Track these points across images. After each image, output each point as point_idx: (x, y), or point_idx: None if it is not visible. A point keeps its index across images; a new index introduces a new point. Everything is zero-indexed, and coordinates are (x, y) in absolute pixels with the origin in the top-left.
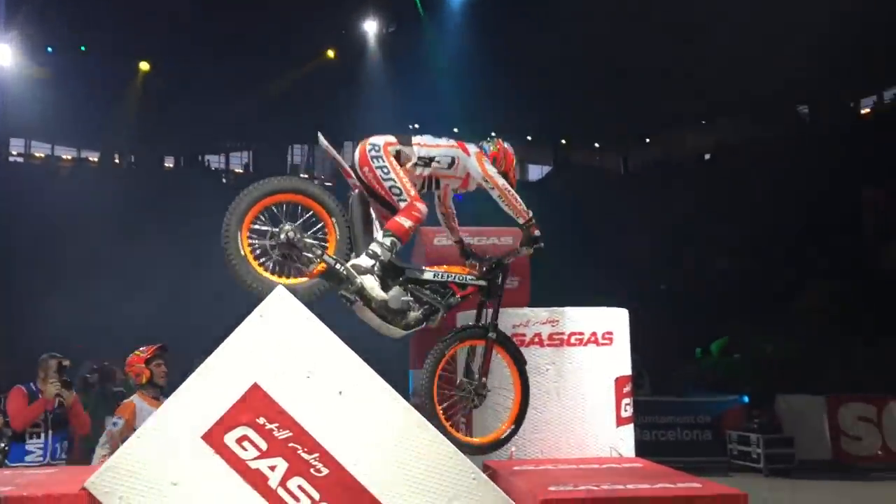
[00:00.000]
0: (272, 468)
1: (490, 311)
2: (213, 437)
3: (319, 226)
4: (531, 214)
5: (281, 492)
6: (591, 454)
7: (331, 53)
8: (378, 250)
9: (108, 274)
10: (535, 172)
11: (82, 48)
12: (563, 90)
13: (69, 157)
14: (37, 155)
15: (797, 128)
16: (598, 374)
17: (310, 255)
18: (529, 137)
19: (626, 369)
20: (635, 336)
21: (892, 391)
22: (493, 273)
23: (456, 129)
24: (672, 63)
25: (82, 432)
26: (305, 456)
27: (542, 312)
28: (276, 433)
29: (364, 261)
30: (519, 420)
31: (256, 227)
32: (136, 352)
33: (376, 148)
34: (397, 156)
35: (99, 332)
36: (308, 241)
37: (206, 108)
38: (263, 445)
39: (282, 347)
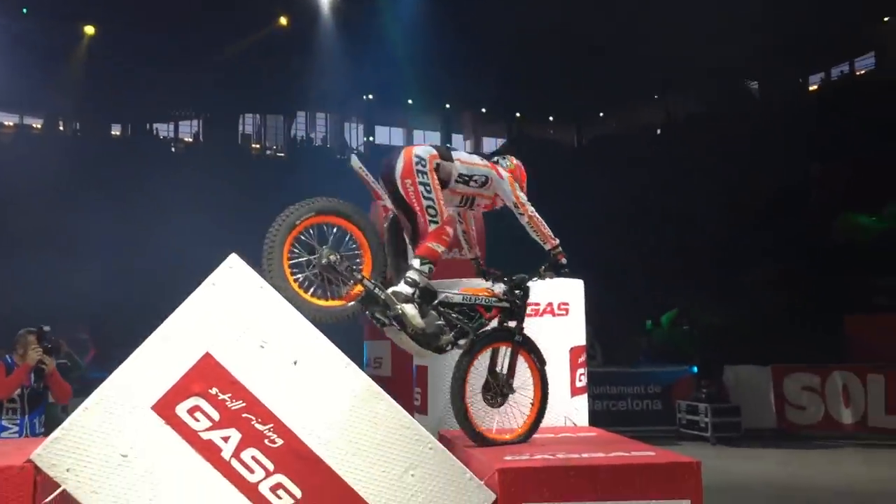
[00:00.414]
0: (225, 439)
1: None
2: (164, 408)
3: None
4: (558, 241)
5: (234, 463)
6: (546, 424)
7: (283, 20)
8: (417, 278)
9: (52, 244)
10: (490, 144)
11: (24, 10)
12: (518, 63)
13: (11, 124)
14: None
15: (747, 103)
16: (554, 345)
17: (349, 279)
18: (484, 109)
19: (581, 340)
20: (588, 308)
21: (836, 361)
22: (514, 294)
23: (410, 101)
24: (625, 38)
25: (63, 402)
26: (259, 427)
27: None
28: (228, 403)
29: (404, 288)
30: (538, 418)
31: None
32: None
33: (423, 162)
34: (436, 170)
35: (42, 303)
36: (348, 265)
37: (153, 74)
38: (216, 416)
39: (234, 316)
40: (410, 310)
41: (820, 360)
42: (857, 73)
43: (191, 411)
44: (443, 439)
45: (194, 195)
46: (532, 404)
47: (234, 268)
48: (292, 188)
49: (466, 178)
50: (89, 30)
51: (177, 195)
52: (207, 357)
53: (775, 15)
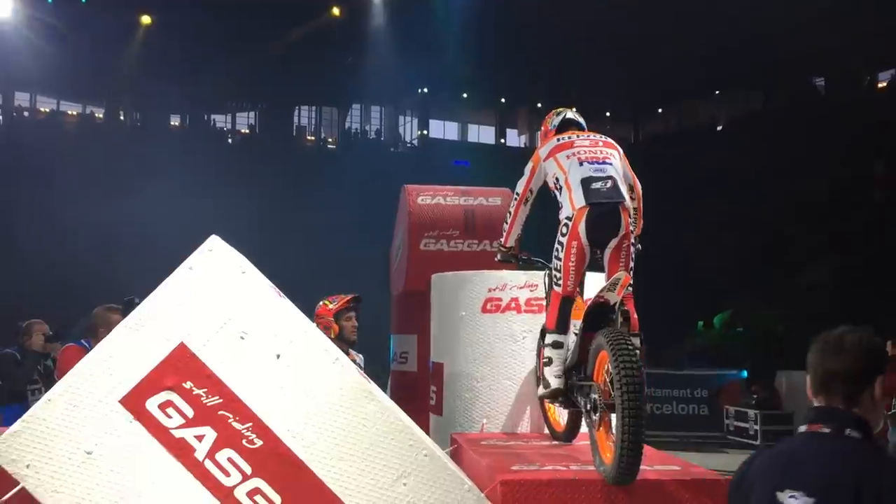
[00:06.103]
0: (199, 438)
1: None
2: (133, 402)
3: None
4: None
5: (208, 464)
6: None
7: (336, 11)
8: None
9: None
10: None
11: (83, 0)
12: (575, 58)
13: (74, 113)
14: (42, 110)
15: (812, 99)
16: None
17: None
18: (540, 104)
19: None
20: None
21: None
22: None
23: (465, 95)
24: (686, 32)
25: None
26: (237, 425)
27: (521, 276)
28: (204, 399)
29: None
30: None
31: None
32: (325, 301)
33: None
34: None
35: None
36: None
37: (211, 66)
38: (190, 413)
39: (213, 304)
40: None
41: None
42: None
43: (162, 406)
44: (453, 443)
45: (249, 186)
46: None
47: (213, 251)
48: (346, 180)
49: None
50: (146, 19)
51: (232, 186)
52: (182, 348)
53: (842, 10)
